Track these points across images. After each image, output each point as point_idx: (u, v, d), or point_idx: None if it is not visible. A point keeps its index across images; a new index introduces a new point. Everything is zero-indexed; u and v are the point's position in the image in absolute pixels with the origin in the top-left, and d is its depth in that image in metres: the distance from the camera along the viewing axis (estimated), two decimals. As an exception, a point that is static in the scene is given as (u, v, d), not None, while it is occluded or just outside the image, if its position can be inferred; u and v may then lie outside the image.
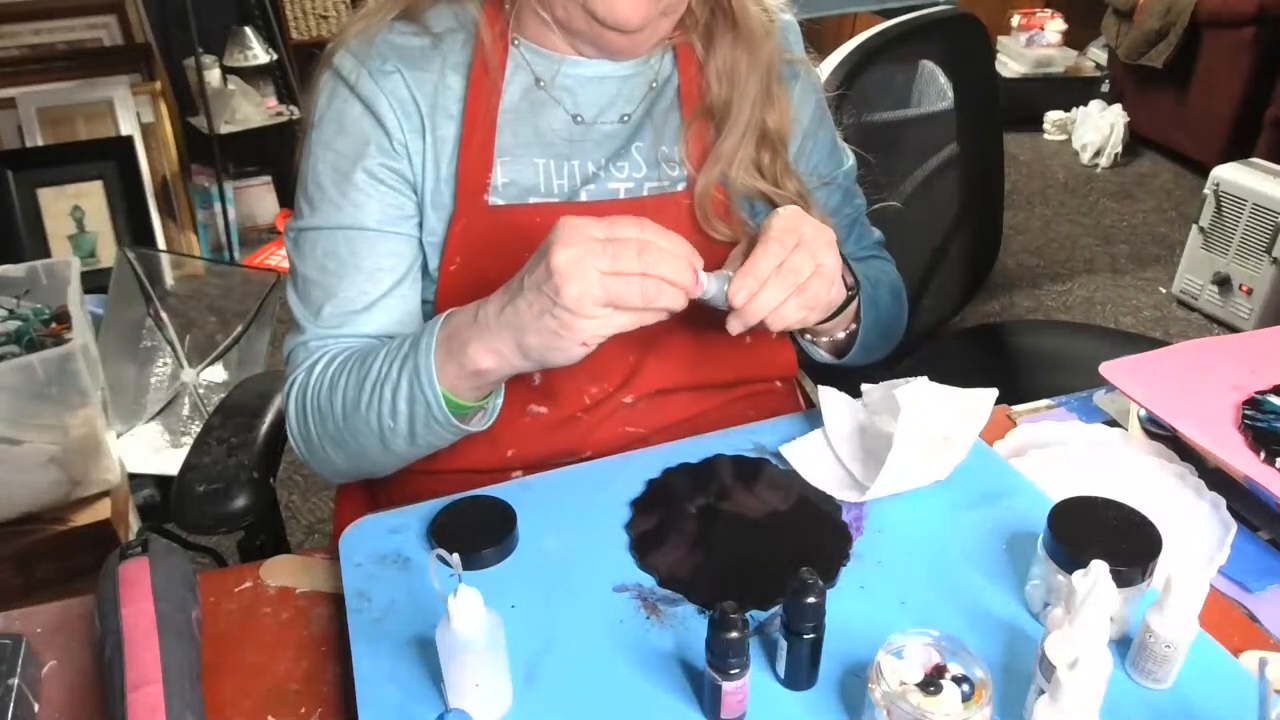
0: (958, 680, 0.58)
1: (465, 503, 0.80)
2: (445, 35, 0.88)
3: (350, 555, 0.77)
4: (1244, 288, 2.66)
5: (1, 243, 2.50)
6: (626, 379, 0.91)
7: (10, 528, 1.37)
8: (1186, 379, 0.92)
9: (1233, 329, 2.70)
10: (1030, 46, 4.10)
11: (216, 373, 2.12)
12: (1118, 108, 3.77)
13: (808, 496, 0.82)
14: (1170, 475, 0.86)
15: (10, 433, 1.33)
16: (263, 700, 0.68)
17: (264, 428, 1.02)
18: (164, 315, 2.11)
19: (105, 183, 2.62)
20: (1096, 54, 4.18)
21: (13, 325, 1.42)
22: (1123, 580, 0.64)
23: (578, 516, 0.80)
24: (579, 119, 0.90)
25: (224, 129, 2.86)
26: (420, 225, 0.89)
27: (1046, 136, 4.05)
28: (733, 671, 0.60)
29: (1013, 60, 4.12)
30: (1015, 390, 1.01)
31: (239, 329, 2.16)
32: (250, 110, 2.96)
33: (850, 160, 1.04)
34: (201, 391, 2.08)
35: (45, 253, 2.52)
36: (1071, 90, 4.04)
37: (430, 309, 0.90)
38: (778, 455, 0.86)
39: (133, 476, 1.72)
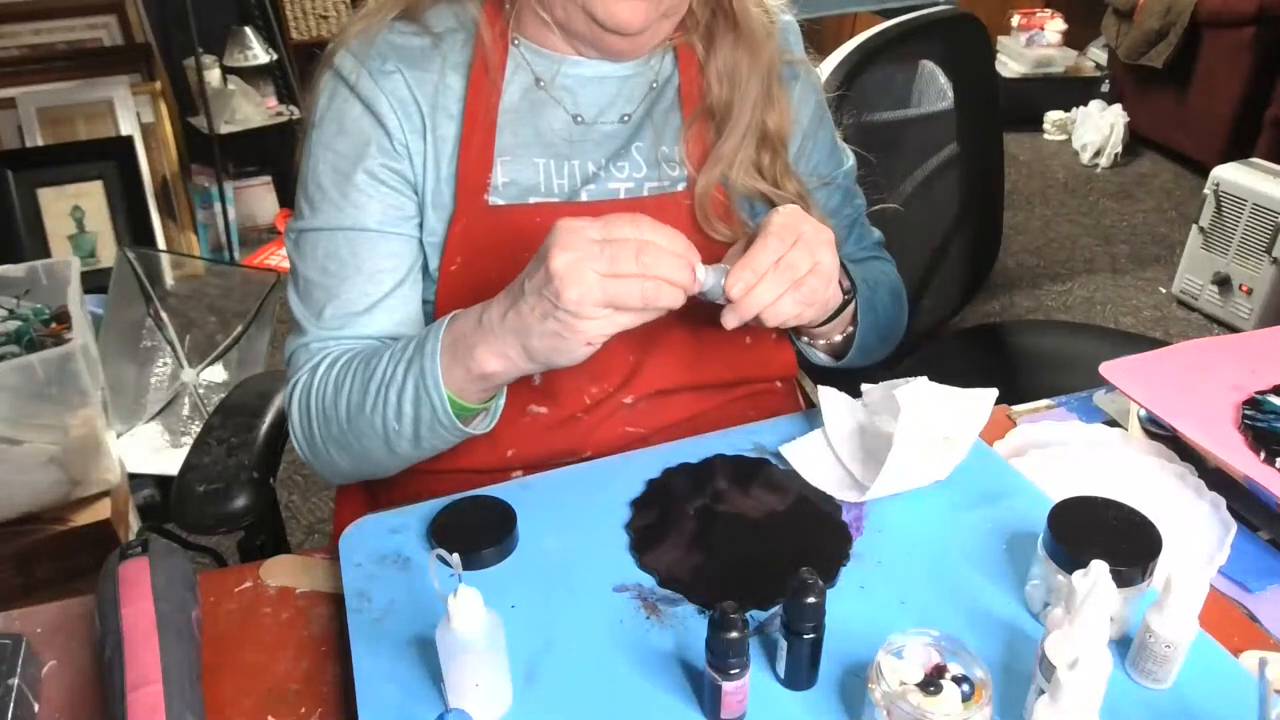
0: (958, 680, 0.58)
1: (465, 503, 0.80)
2: (445, 35, 0.88)
3: (350, 555, 0.77)
4: (1244, 288, 2.66)
5: (1, 243, 2.50)
6: (626, 379, 0.91)
7: (10, 528, 1.37)
8: (1186, 379, 0.92)
9: (1233, 329, 2.70)
10: (1030, 46, 4.10)
11: (216, 373, 2.12)
12: (1118, 108, 3.77)
13: (808, 496, 0.82)
14: (1170, 475, 0.86)
15: (10, 433, 1.33)
16: (263, 700, 0.68)
17: (264, 428, 1.02)
18: (164, 315, 2.11)
19: (105, 183, 2.62)
20: (1096, 54, 4.18)
21: (13, 325, 1.42)
22: (1123, 580, 0.64)
23: (578, 516, 0.80)
24: (579, 119, 0.90)
25: (224, 129, 2.86)
26: (421, 225, 0.89)
27: (1046, 136, 4.05)
28: (733, 671, 0.60)
29: (1013, 60, 4.12)
30: (1015, 390, 1.01)
31: (239, 329, 2.16)
32: (250, 110, 2.96)
33: (850, 160, 1.04)
34: (201, 391, 2.08)
35: (45, 253, 2.52)
36: (1071, 90, 4.04)
37: (431, 309, 0.90)
38: (778, 455, 0.86)
39: (133, 476, 1.72)
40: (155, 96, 2.84)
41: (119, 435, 1.89)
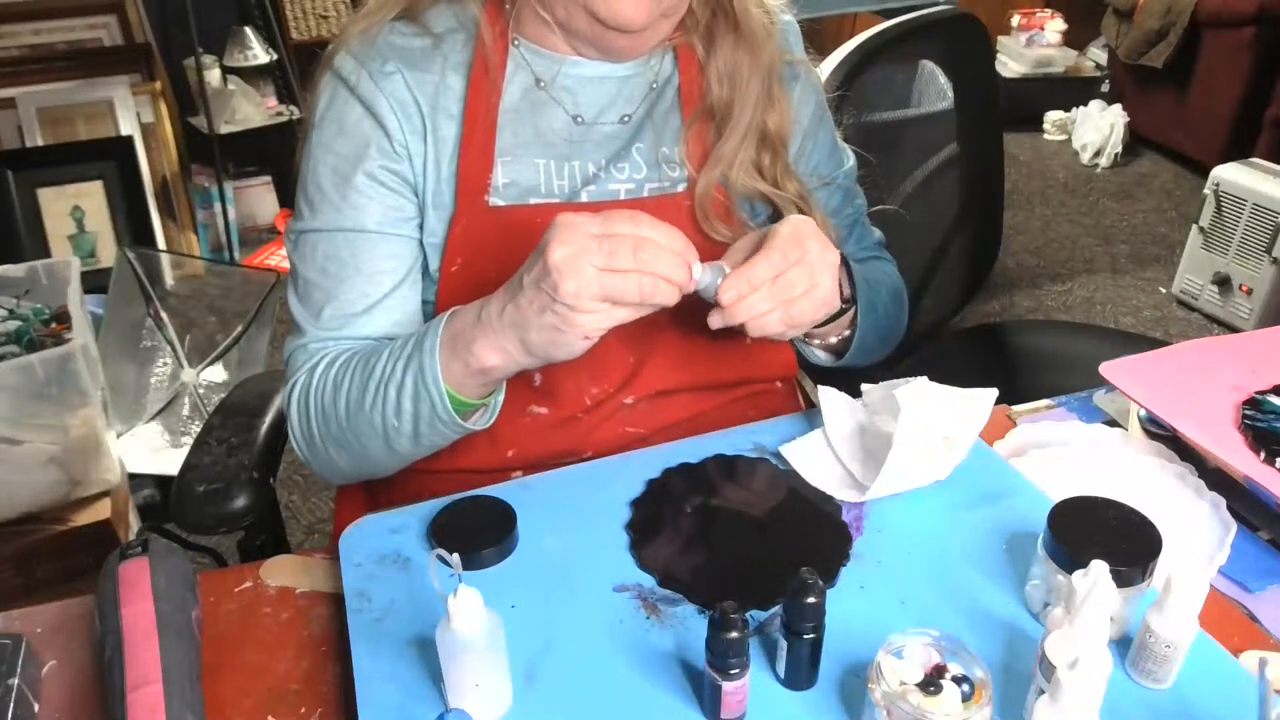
0: (958, 680, 0.58)
1: (465, 503, 0.80)
2: (446, 35, 0.88)
3: (350, 555, 0.77)
4: (1244, 288, 2.66)
5: (1, 243, 2.50)
6: (627, 379, 0.91)
7: (10, 528, 1.37)
8: (1186, 379, 0.92)
9: (1233, 329, 2.70)
10: (1030, 46, 4.10)
11: (216, 373, 2.12)
12: (1118, 108, 3.77)
13: (808, 496, 0.82)
14: (1170, 475, 0.86)
15: (10, 433, 1.33)
16: (263, 700, 0.68)
17: (264, 428, 1.02)
18: (164, 315, 2.11)
19: (105, 183, 2.62)
20: (1096, 54, 4.18)
21: (13, 325, 1.42)
22: (1123, 580, 0.64)
23: (578, 516, 0.80)
24: (579, 119, 0.90)
25: (224, 129, 2.86)
26: (421, 226, 0.89)
27: (1046, 136, 4.05)
28: (733, 671, 0.60)
29: (1013, 60, 4.12)
30: (1015, 390, 1.01)
31: (239, 329, 2.16)
32: (250, 110, 2.96)
33: (850, 161, 1.04)
34: (201, 391, 2.08)
35: (45, 253, 2.52)
36: (1071, 90, 4.04)
37: (431, 310, 0.90)
38: (778, 455, 0.86)
39: (133, 476, 1.71)
40: (155, 96, 2.84)
41: (119, 435, 1.89)
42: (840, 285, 0.84)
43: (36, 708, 0.67)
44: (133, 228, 2.64)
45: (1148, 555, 0.66)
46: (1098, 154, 3.77)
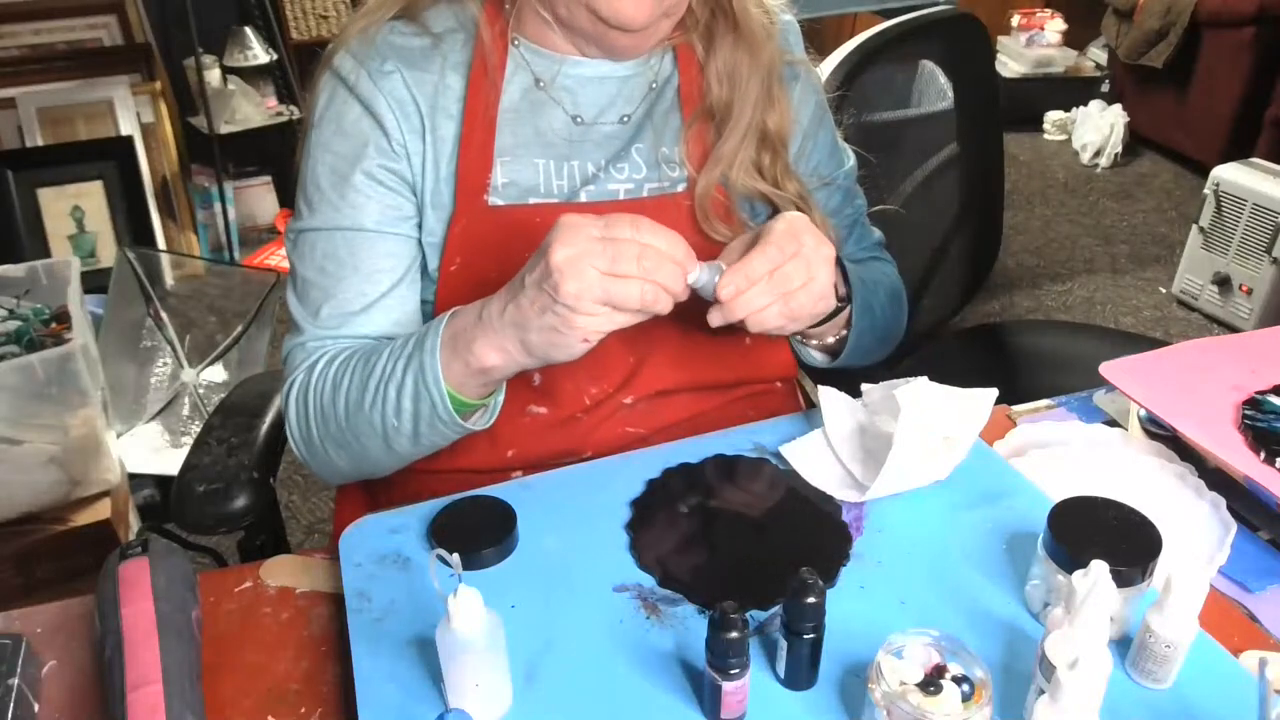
0: (958, 680, 0.58)
1: (465, 503, 0.80)
2: (445, 35, 0.88)
3: (350, 555, 0.77)
4: (1244, 288, 2.66)
5: (1, 243, 2.50)
6: (626, 379, 0.91)
7: (10, 528, 1.37)
8: (1186, 379, 0.92)
9: (1233, 329, 2.70)
10: (1030, 46, 4.10)
11: (216, 373, 2.12)
12: (1118, 108, 3.77)
13: (808, 496, 0.82)
14: (1170, 475, 0.86)
15: (10, 433, 1.33)
16: (263, 700, 0.68)
17: (264, 428, 1.02)
18: (164, 315, 2.11)
19: (105, 183, 2.62)
20: (1096, 54, 4.18)
21: (13, 325, 1.42)
22: (1123, 580, 0.64)
23: (578, 516, 0.80)
24: (579, 119, 0.90)
25: (224, 129, 2.86)
26: (420, 226, 0.89)
27: (1046, 136, 4.05)
28: (733, 671, 0.60)
29: (1013, 60, 4.12)
30: (1015, 390, 1.01)
31: (239, 329, 2.16)
32: (250, 110, 2.96)
33: (851, 161, 1.04)
34: (201, 391, 2.08)
35: (45, 253, 2.52)
36: (1071, 90, 4.04)
37: (430, 309, 0.90)
38: (778, 455, 0.86)
39: (133, 476, 1.71)
40: (155, 96, 2.84)
41: (119, 435, 1.89)
42: (835, 284, 0.84)
43: (36, 708, 0.67)
44: (133, 228, 2.64)
45: (1148, 555, 0.66)
46: (1098, 154, 3.77)
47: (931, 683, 0.58)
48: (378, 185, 0.87)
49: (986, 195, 1.63)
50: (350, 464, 0.87)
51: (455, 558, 0.59)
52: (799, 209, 0.93)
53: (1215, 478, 0.84)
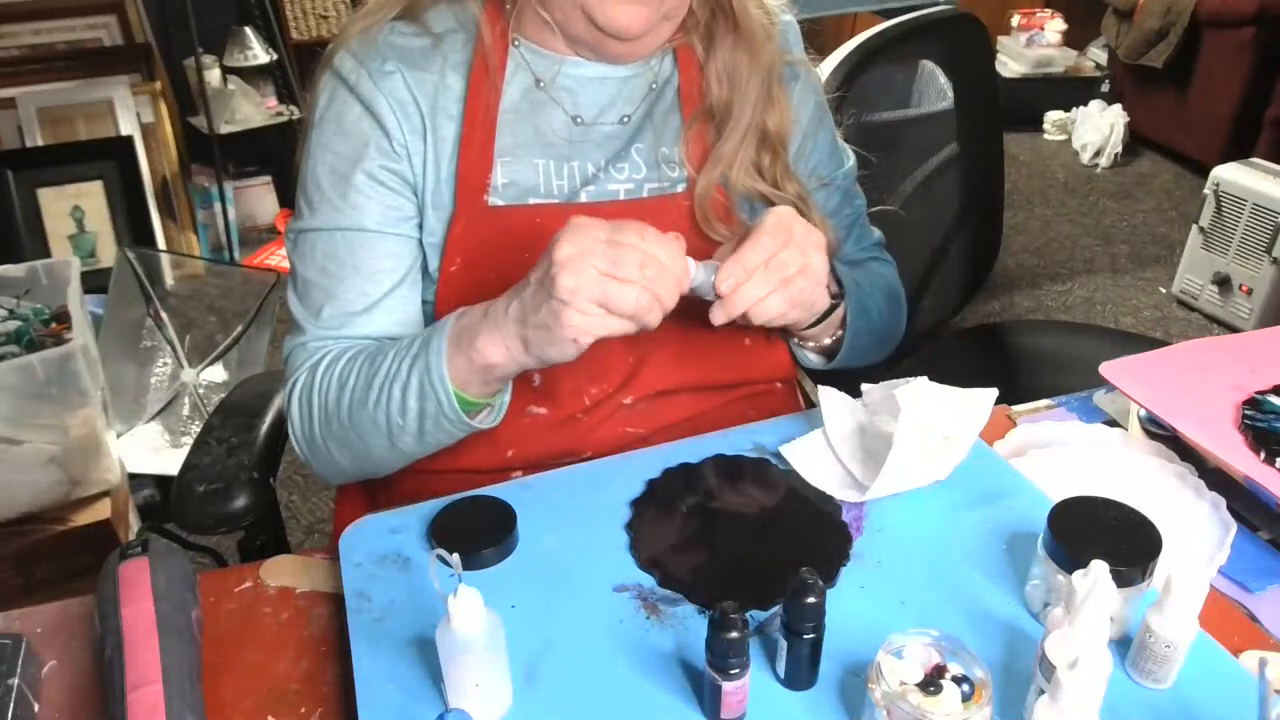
0: (958, 680, 0.58)
1: (465, 503, 0.80)
2: (446, 35, 0.88)
3: (350, 555, 0.77)
4: (1244, 288, 2.66)
5: (1, 243, 2.50)
6: (626, 380, 0.91)
7: (10, 528, 1.37)
8: (1186, 379, 0.92)
9: (1233, 329, 2.70)
10: (1030, 46, 4.10)
11: (216, 373, 2.12)
12: (1118, 108, 3.77)
13: (808, 496, 0.82)
14: (1170, 475, 0.86)
15: (10, 433, 1.33)
16: (263, 700, 0.68)
17: (264, 428, 1.02)
18: (164, 315, 2.11)
19: (105, 183, 2.62)
20: (1096, 54, 4.18)
21: (13, 325, 1.42)
22: (1123, 580, 0.64)
23: (578, 516, 0.80)
24: (579, 120, 0.90)
25: (224, 129, 2.86)
26: (420, 226, 0.89)
27: (1046, 136, 4.05)
28: (733, 671, 0.60)
29: (1013, 60, 4.12)
30: (1015, 390, 1.01)
31: (239, 329, 2.16)
32: (250, 110, 2.96)
33: (850, 161, 1.04)
34: (201, 391, 2.08)
35: (45, 253, 2.52)
36: (1071, 90, 4.04)
37: (431, 309, 0.90)
38: (778, 455, 0.86)
39: (133, 476, 1.71)
40: (155, 96, 2.84)
41: (119, 435, 1.89)
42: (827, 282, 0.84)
43: (36, 708, 0.67)
44: (133, 228, 2.64)
45: (1148, 555, 0.66)
46: (1098, 154, 3.77)
47: (931, 683, 0.58)
48: (378, 185, 0.87)
49: (986, 195, 1.63)
50: (353, 463, 0.87)
51: (455, 558, 0.59)
52: (798, 209, 0.93)
53: (1215, 478, 0.84)
